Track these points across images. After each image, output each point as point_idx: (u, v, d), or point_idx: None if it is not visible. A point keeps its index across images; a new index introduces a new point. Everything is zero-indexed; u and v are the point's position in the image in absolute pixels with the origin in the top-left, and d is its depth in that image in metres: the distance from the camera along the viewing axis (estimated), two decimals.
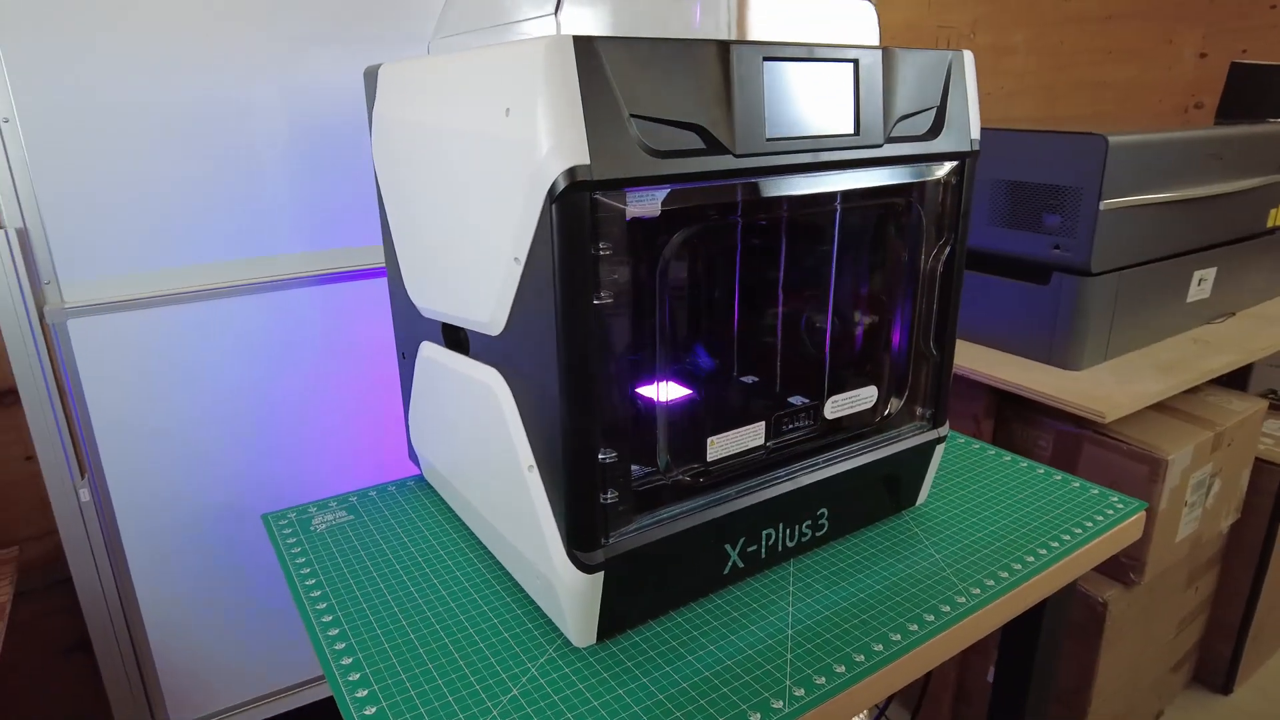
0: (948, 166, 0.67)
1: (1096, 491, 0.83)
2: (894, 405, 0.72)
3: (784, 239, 0.72)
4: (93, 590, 0.95)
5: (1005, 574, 0.69)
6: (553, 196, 0.48)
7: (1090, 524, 0.77)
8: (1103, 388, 1.09)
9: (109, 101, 0.84)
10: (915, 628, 0.62)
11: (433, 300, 0.70)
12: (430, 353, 0.73)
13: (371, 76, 0.75)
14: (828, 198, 0.66)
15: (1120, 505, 0.80)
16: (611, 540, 0.57)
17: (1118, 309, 1.15)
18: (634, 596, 0.61)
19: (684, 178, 0.52)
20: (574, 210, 0.48)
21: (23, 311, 0.85)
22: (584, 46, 0.47)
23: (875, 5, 0.68)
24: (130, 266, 0.89)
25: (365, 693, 0.57)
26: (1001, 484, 0.85)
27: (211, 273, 0.94)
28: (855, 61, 0.58)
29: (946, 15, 1.75)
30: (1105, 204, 1.06)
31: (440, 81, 0.61)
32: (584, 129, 0.47)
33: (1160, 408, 1.26)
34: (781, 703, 0.55)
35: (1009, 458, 0.91)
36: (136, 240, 0.89)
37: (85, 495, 0.92)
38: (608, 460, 0.55)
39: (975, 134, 0.67)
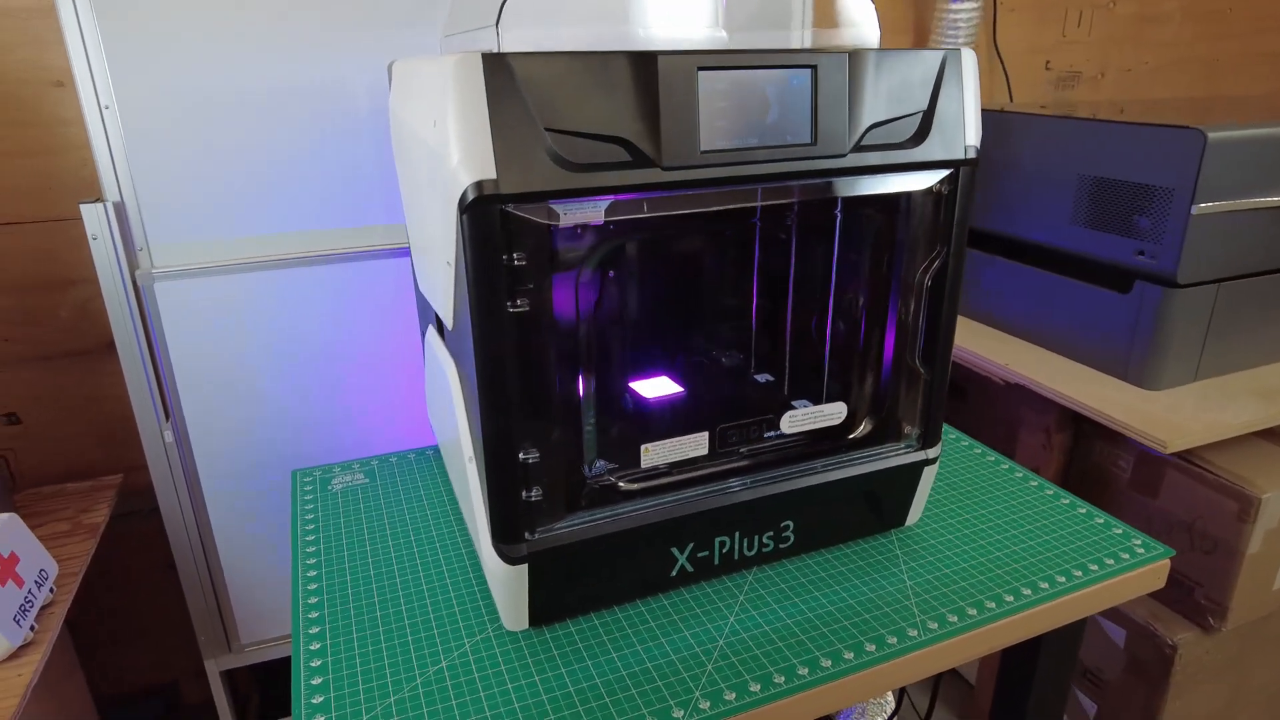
0: (938, 175, 0.63)
1: (1120, 530, 0.76)
2: (869, 423, 0.69)
3: (736, 249, 0.70)
4: (175, 519, 1.09)
5: (974, 611, 0.65)
6: (462, 207, 0.50)
7: (1096, 567, 0.71)
8: (1180, 412, 0.98)
9: (198, 85, 0.93)
10: (850, 656, 0.61)
11: (424, 288, 0.74)
12: (430, 336, 0.78)
13: (390, 70, 0.79)
14: (783, 208, 0.64)
15: (1142, 550, 0.73)
16: (538, 536, 0.59)
17: (1213, 325, 1.02)
18: (566, 589, 0.63)
19: (605, 190, 0.52)
20: (483, 221, 0.50)
21: (118, 274, 0.97)
22: (494, 63, 0.48)
23: None
24: (213, 234, 0.99)
25: (318, 646, 0.63)
26: (1015, 510, 0.79)
27: (287, 242, 1.03)
28: (814, 68, 0.55)
29: None
30: (1199, 208, 0.94)
31: (412, 85, 0.64)
32: (491, 144, 0.49)
33: (1277, 438, 1.11)
34: (682, 713, 0.56)
35: (1036, 482, 0.85)
36: (220, 210, 0.99)
37: (169, 437, 1.05)
38: (530, 460, 0.57)
39: (972, 140, 0.62)
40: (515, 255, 0.52)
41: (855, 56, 0.57)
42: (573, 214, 0.54)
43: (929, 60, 0.60)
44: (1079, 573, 0.70)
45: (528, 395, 0.55)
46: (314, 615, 0.67)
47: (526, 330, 0.54)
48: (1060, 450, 1.18)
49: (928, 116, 0.60)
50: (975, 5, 1.39)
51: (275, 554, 1.12)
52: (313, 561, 0.74)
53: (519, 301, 0.53)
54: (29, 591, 0.83)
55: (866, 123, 0.58)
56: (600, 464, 0.63)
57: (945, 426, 0.98)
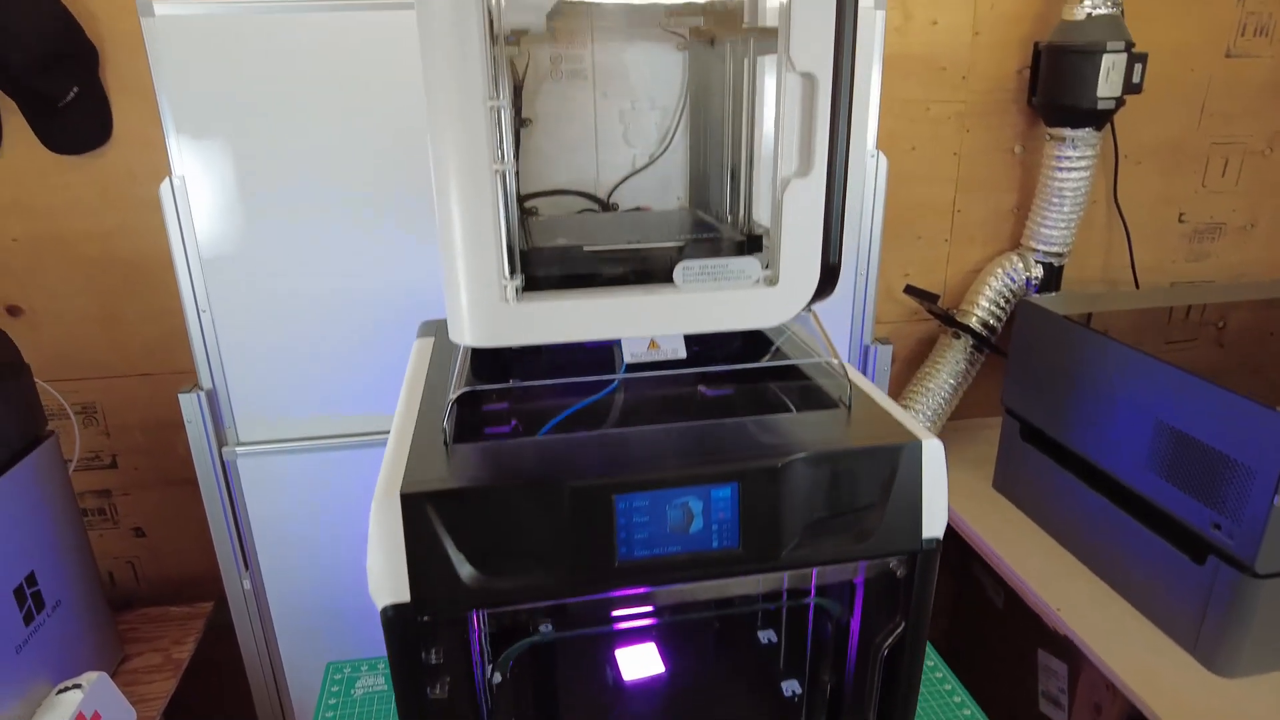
0: (893, 559, 0.60)
1: None
2: None
3: (670, 628, 0.69)
4: (251, 653, 1.22)
5: None
6: (384, 619, 0.54)
7: None
8: (1254, 713, 0.87)
9: (281, 292, 1.05)
10: None
11: None
12: None
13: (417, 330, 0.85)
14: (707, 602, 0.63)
15: None
16: None
17: None
18: None
19: (520, 600, 0.55)
20: (401, 631, 0.54)
21: (207, 452, 1.10)
22: (412, 503, 0.52)
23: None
24: (290, 414, 1.11)
25: None
26: None
27: (353, 423, 1.13)
28: (738, 482, 0.55)
29: (1229, 128, 1.42)
30: None
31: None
32: (406, 573, 0.52)
33: None
34: None
35: None
36: (296, 394, 1.10)
37: (247, 585, 1.18)
38: None
39: (932, 532, 0.59)
40: (435, 653, 0.55)
41: (787, 468, 0.56)
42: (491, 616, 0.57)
43: (880, 457, 0.57)
44: None
45: None
46: None
47: (448, 712, 0.57)
48: (1121, 709, 1.07)
49: (879, 511, 0.58)
50: (1084, 175, 1.28)
51: None
52: None
53: (439, 689, 0.56)
54: None
55: (803, 524, 0.57)
56: None
57: (972, 709, 0.93)
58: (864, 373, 1.22)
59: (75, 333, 1.25)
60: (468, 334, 0.55)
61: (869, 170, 1.11)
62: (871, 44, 1.07)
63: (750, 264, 0.56)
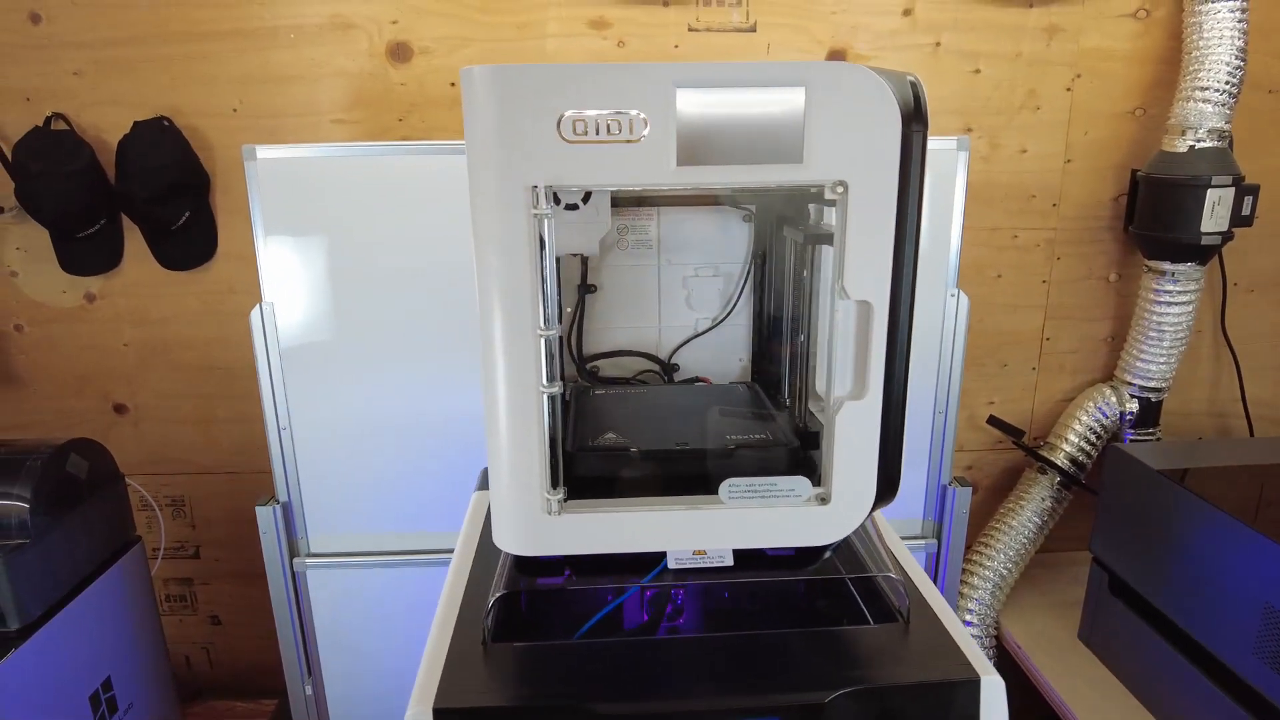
0: None
1: None
2: None
3: None
4: None
5: None
6: None
7: None
8: None
9: (353, 416, 1.08)
10: None
11: None
12: None
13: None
14: None
15: None
16: None
17: None
18: None
19: None
20: None
21: (279, 563, 1.14)
22: (445, 718, 0.52)
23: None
24: (358, 529, 1.14)
25: None
26: None
27: (418, 540, 1.15)
28: (779, 718, 0.52)
29: None
30: None
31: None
32: None
33: None
34: None
35: None
36: (365, 510, 1.13)
37: (309, 690, 1.20)
38: None
39: None
40: None
41: (833, 705, 0.53)
42: None
43: (934, 696, 0.54)
44: None
45: None
46: None
47: None
48: None
49: None
50: (1186, 309, 1.21)
51: None
52: None
53: None
54: None
55: None
56: None
57: None
58: (941, 514, 1.17)
59: (172, 431, 1.32)
60: (510, 542, 0.55)
61: (948, 309, 1.08)
62: (953, 183, 1.05)
63: (800, 483, 0.54)
